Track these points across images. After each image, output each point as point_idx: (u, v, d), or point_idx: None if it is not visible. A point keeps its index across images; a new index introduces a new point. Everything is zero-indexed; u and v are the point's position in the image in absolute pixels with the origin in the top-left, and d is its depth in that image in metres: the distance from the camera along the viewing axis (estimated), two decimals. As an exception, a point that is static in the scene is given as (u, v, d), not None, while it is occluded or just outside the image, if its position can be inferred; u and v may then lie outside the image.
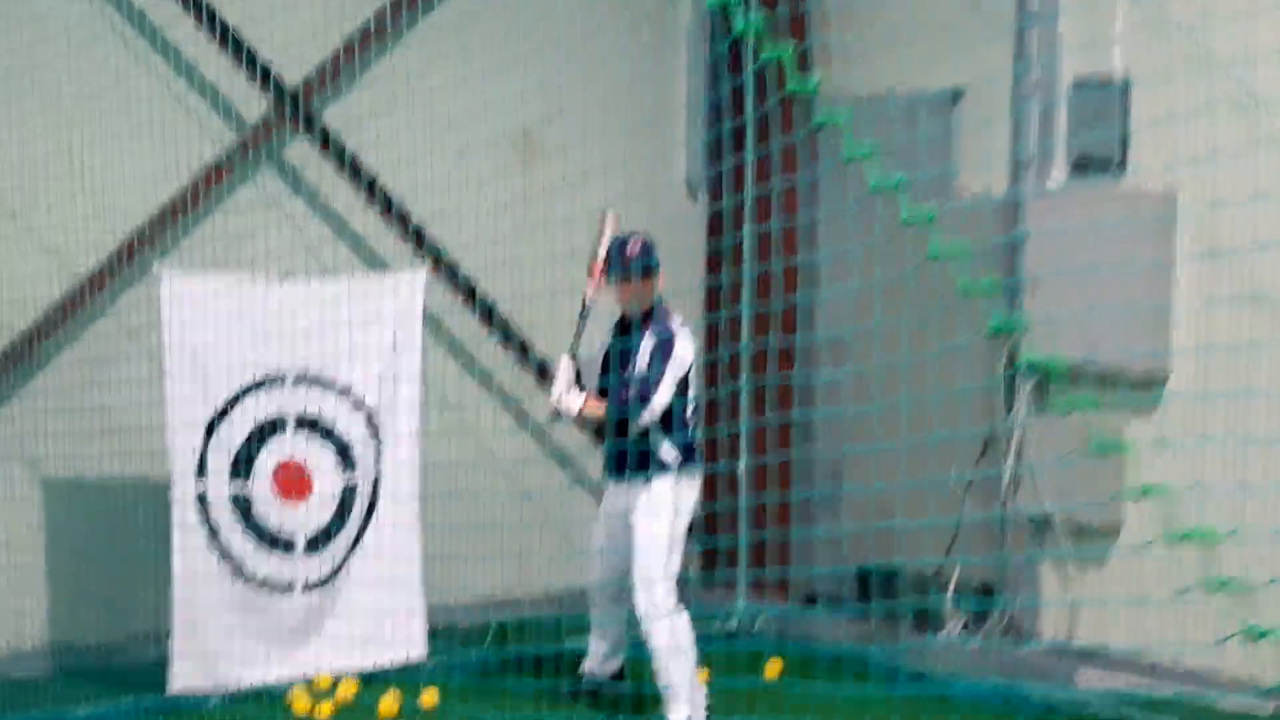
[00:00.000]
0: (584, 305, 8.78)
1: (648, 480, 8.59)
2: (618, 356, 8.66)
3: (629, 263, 8.56)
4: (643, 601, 8.57)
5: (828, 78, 10.31)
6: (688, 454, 8.66)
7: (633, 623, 8.93)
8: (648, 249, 8.65)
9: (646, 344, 8.62)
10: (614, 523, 8.93)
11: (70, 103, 9.61)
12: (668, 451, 8.64)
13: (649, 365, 8.52)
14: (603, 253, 8.81)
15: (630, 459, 8.49)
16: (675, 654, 8.51)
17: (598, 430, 8.99)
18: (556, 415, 8.81)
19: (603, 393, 8.70)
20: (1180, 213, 8.73)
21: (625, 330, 8.74)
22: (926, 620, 10.39)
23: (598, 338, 8.83)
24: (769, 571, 8.96)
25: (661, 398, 8.44)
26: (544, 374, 11.22)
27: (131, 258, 9.95)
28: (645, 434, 8.54)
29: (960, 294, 4.67)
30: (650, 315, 8.70)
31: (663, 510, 8.53)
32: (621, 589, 9.06)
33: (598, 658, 9.47)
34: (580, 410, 8.61)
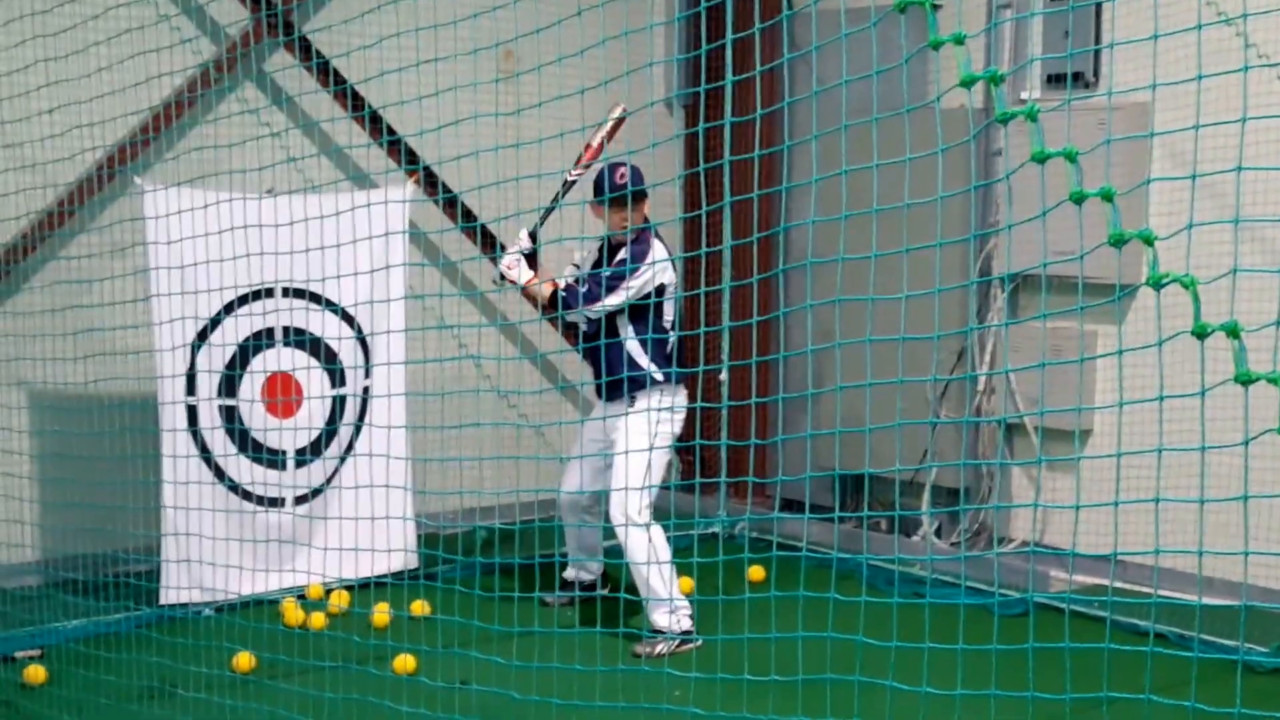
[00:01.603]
0: (563, 186, 9.02)
1: (632, 399, 8.87)
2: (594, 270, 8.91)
3: (617, 187, 8.81)
4: (617, 512, 8.82)
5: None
6: (665, 364, 8.90)
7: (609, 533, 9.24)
8: (636, 175, 8.84)
9: (619, 256, 8.93)
10: (593, 436, 9.21)
11: (46, 13, 9.59)
12: (643, 359, 8.86)
13: (612, 270, 8.80)
14: (597, 141, 9.06)
15: (612, 379, 8.83)
16: (652, 564, 8.78)
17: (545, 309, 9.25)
18: (501, 280, 9.03)
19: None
20: (1155, 128, 9.01)
21: (603, 257, 9.02)
22: (904, 524, 10.70)
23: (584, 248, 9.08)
24: (749, 478, 9.20)
25: (611, 299, 8.70)
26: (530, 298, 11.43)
27: (120, 168, 10.02)
28: (629, 356, 8.84)
29: (1112, 243, 4.85)
30: (635, 240, 8.98)
31: (643, 425, 8.69)
32: (593, 501, 9.35)
33: (577, 565, 9.79)
34: (527, 283, 8.87)
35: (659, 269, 8.83)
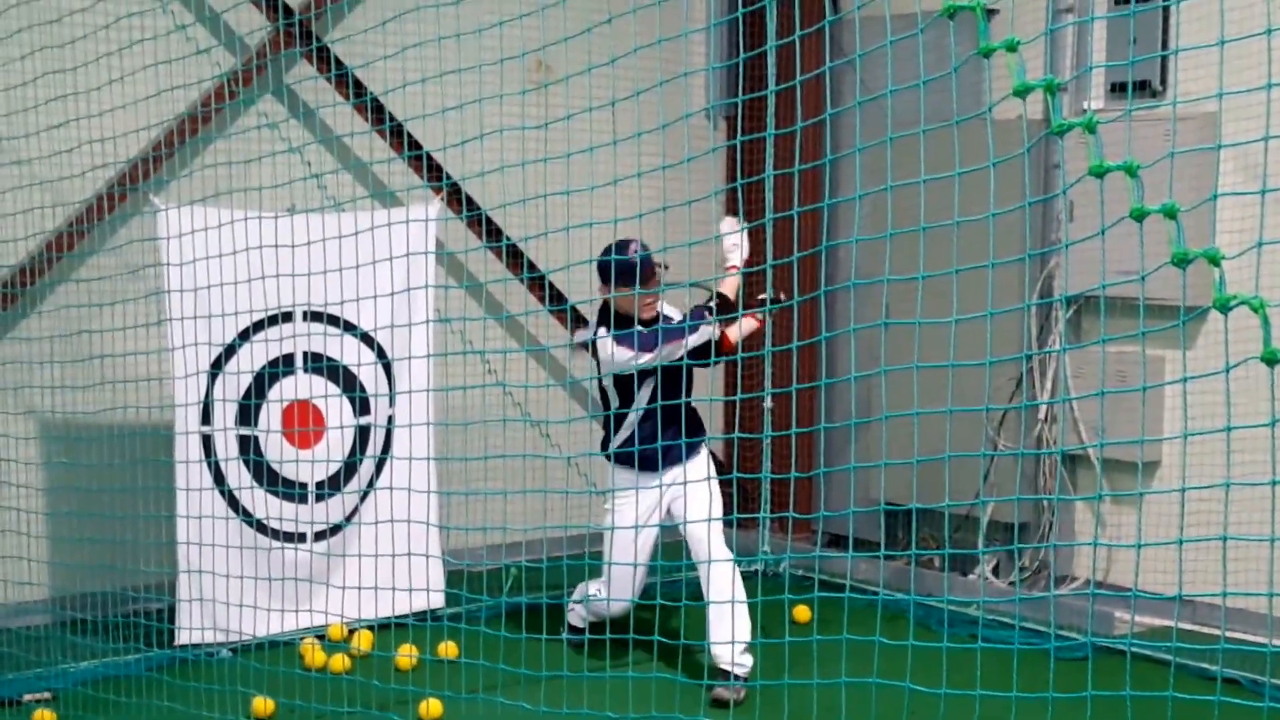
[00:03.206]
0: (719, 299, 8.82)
1: (699, 448, 8.90)
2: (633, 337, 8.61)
3: (641, 265, 8.61)
4: (717, 551, 8.59)
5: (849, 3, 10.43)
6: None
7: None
8: (644, 247, 8.69)
9: (673, 315, 8.85)
10: (649, 511, 8.97)
11: (59, 24, 9.51)
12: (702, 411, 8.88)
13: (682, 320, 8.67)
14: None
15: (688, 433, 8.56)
16: (741, 604, 8.54)
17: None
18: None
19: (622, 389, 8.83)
20: (1224, 139, 8.88)
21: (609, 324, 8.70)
22: (957, 562, 10.55)
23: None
24: (792, 512, 9.10)
25: (694, 339, 8.51)
26: (576, 318, 11.35)
27: (131, 187, 9.93)
28: (695, 410, 8.72)
29: (1175, 263, 4.72)
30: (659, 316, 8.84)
31: (711, 464, 8.79)
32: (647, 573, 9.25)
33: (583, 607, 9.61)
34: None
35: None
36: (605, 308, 8.73)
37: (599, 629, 9.14)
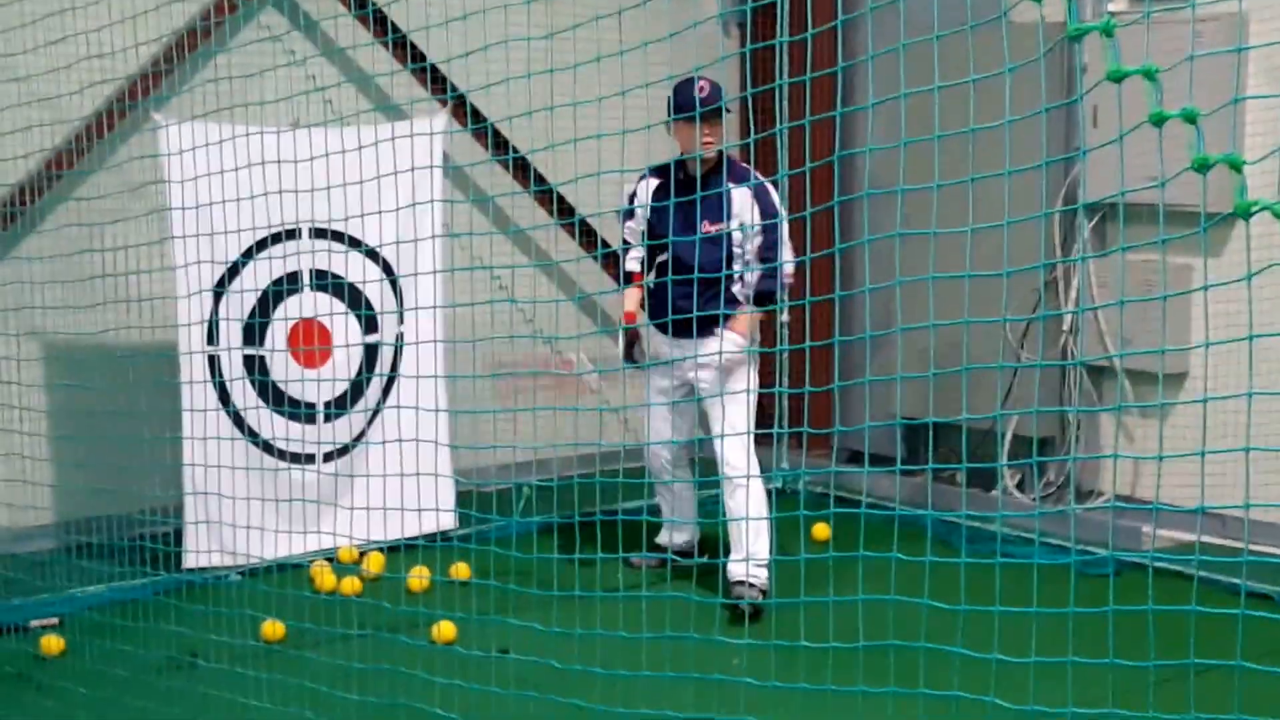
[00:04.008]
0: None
1: (721, 332, 8.63)
2: (683, 211, 8.57)
3: (707, 101, 8.50)
4: (737, 462, 8.61)
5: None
6: (758, 298, 8.74)
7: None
8: (718, 88, 8.60)
9: (740, 197, 8.61)
10: (675, 391, 9.02)
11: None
12: (740, 295, 8.74)
13: (762, 226, 8.56)
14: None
15: (700, 315, 8.28)
16: (764, 520, 8.64)
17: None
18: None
19: (651, 256, 8.76)
20: (1249, 41, 8.82)
21: (679, 185, 8.70)
22: (981, 478, 10.54)
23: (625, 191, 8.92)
24: (807, 427, 9.10)
25: (790, 265, 8.51)
26: (587, 232, 11.35)
27: (130, 103, 9.92)
28: (716, 284, 8.55)
29: (1195, 168, 4.70)
30: (720, 165, 8.71)
31: (742, 361, 8.63)
32: (682, 453, 9.19)
33: (671, 528, 9.61)
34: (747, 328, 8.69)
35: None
36: (665, 167, 8.89)
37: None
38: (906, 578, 6.38)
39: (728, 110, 8.64)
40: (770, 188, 8.60)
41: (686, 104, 8.56)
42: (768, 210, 8.48)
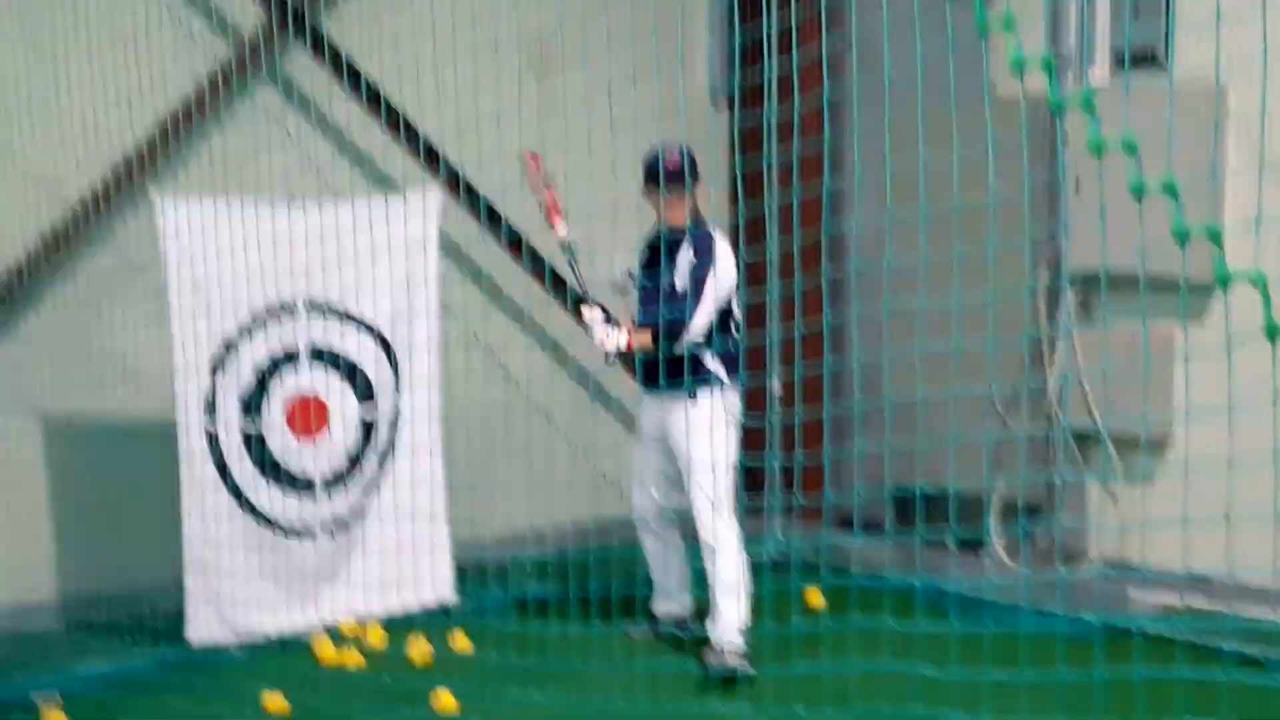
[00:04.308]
0: (565, 247, 8.92)
1: (692, 395, 8.63)
2: (658, 273, 8.67)
3: (672, 175, 8.59)
4: (707, 530, 8.62)
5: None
6: (730, 364, 8.71)
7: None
8: (690, 159, 8.69)
9: (684, 256, 8.65)
10: (651, 444, 9.00)
11: (50, 14, 9.57)
12: (710, 361, 8.66)
13: (689, 279, 8.55)
14: (540, 196, 8.97)
15: (668, 370, 8.45)
16: (736, 590, 8.60)
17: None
18: (610, 358, 8.93)
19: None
20: (1229, 112, 8.89)
21: (657, 253, 8.73)
22: (970, 544, 10.56)
23: (616, 264, 8.97)
24: (801, 496, 9.16)
25: (702, 317, 8.48)
26: (577, 307, 11.37)
27: (127, 182, 9.95)
28: (694, 358, 8.56)
29: (1219, 283, 4.79)
30: (689, 230, 8.74)
31: (711, 426, 8.53)
32: (668, 516, 9.21)
33: (663, 595, 9.62)
34: (628, 344, 8.67)
35: (728, 269, 8.66)
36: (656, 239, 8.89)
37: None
38: (899, 642, 6.44)
39: (695, 178, 8.69)
40: (718, 237, 8.66)
41: (652, 174, 8.68)
42: (700, 250, 8.57)
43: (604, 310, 8.80)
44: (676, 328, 8.48)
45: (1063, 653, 6.27)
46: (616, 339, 8.63)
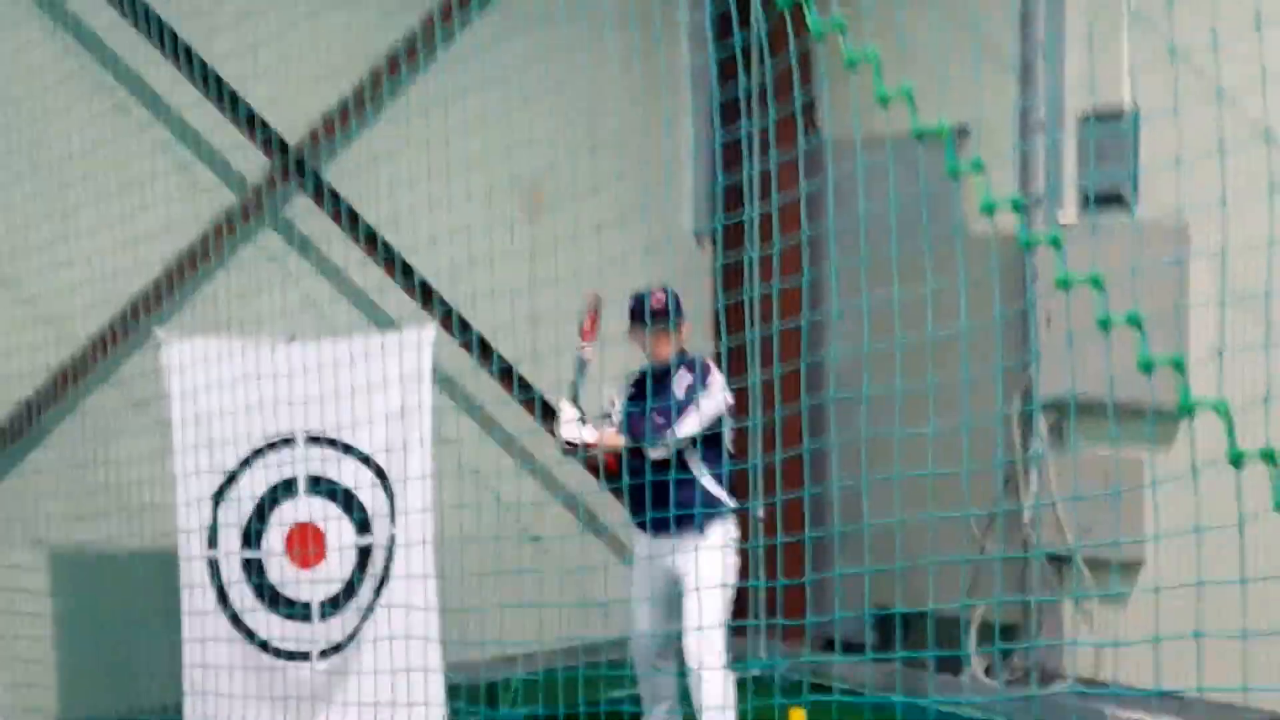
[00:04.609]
0: (580, 362, 8.90)
1: (701, 529, 8.56)
2: (649, 401, 8.58)
3: (658, 314, 8.58)
4: (699, 653, 8.47)
5: (826, 126, 10.51)
6: (729, 490, 8.68)
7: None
8: (674, 299, 8.70)
9: (682, 379, 8.67)
10: (655, 577, 8.85)
11: (61, 162, 9.65)
12: (714, 488, 8.62)
13: (683, 395, 8.58)
14: (588, 320, 8.95)
15: (675, 509, 8.34)
16: (725, 712, 8.52)
17: (609, 474, 9.00)
18: (569, 448, 8.87)
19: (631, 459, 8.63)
20: (1194, 249, 8.92)
21: (644, 385, 8.68)
22: (949, 663, 10.50)
23: (605, 395, 8.95)
24: (784, 618, 9.13)
25: (690, 421, 8.47)
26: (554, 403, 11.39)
27: (133, 322, 10.00)
28: (703, 488, 8.54)
29: (1183, 411, 4.78)
30: (680, 364, 8.74)
31: (719, 555, 8.50)
32: (666, 642, 9.12)
33: (649, 714, 9.53)
34: (595, 440, 8.62)
35: (724, 393, 8.64)
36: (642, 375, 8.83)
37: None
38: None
39: (680, 316, 8.69)
40: (712, 366, 8.67)
41: (638, 314, 8.65)
42: (695, 372, 8.56)
43: (581, 415, 8.74)
44: (641, 434, 8.50)
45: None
46: (585, 432, 8.59)
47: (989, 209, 5.06)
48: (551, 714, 9.68)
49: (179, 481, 9.08)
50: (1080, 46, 9.81)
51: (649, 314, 8.57)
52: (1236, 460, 4.62)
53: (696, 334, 9.28)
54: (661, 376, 8.68)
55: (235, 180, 10.47)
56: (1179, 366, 4.74)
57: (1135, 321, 4.77)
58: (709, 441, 8.63)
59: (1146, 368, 4.78)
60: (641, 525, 8.74)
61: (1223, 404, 4.64)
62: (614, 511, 11.53)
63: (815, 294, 9.86)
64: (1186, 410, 4.73)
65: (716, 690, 8.45)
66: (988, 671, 10.39)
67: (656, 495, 8.33)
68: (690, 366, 8.68)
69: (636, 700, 9.36)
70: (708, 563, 8.43)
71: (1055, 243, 4.99)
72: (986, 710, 9.39)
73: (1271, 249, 5.74)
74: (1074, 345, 5.31)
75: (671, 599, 8.78)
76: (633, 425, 8.72)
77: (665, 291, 8.72)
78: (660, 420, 8.53)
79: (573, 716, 9.38)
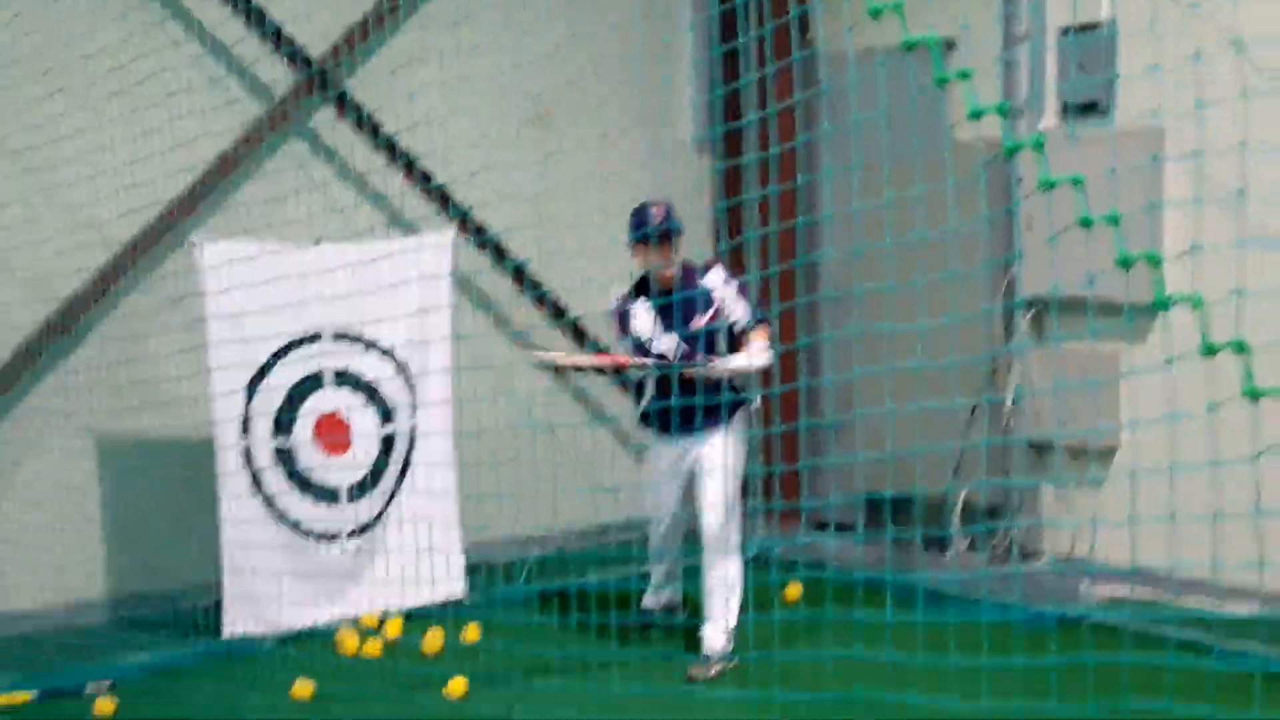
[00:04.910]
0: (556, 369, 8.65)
1: (729, 419, 8.50)
2: (667, 310, 8.42)
3: (658, 227, 8.38)
4: (717, 535, 8.50)
5: (820, 38, 10.50)
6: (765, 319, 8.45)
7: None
8: (669, 212, 8.46)
9: (717, 288, 8.44)
10: (671, 468, 8.78)
11: (101, 78, 9.59)
12: (749, 390, 8.61)
13: (736, 292, 8.41)
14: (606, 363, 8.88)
15: (699, 413, 8.23)
16: (733, 589, 8.54)
17: (638, 386, 8.91)
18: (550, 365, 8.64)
19: (639, 351, 8.53)
20: (1168, 154, 8.90)
21: (648, 291, 8.56)
22: (936, 542, 10.58)
23: (615, 293, 8.90)
24: (781, 502, 9.17)
25: (759, 349, 8.28)
26: (577, 332, 11.42)
27: (169, 226, 9.99)
28: (715, 385, 8.39)
29: (1158, 305, 4.81)
30: (688, 271, 8.60)
31: (737, 445, 8.49)
32: (676, 524, 9.16)
33: (655, 589, 9.62)
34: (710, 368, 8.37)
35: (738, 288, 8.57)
36: (644, 277, 8.65)
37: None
38: (870, 632, 6.44)
39: (679, 230, 8.57)
40: (717, 267, 8.54)
41: (640, 231, 8.48)
42: (740, 296, 8.47)
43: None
44: (763, 324, 8.37)
45: (1019, 640, 6.28)
46: (581, 357, 8.43)
47: (976, 115, 5.09)
48: (563, 590, 9.80)
49: (214, 375, 9.14)
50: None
51: (652, 231, 8.42)
52: (1210, 351, 4.67)
53: (697, 237, 9.24)
54: (671, 289, 8.55)
55: (263, 92, 10.44)
56: (1155, 262, 4.78)
57: (1114, 220, 4.81)
58: (731, 339, 8.57)
59: (1125, 264, 4.82)
60: (665, 428, 8.65)
61: (1198, 297, 4.69)
62: (618, 403, 11.61)
63: (810, 198, 9.87)
64: (1162, 304, 4.77)
65: (729, 568, 8.51)
66: (971, 550, 10.46)
67: (684, 388, 8.30)
68: (710, 268, 8.55)
69: (643, 578, 9.45)
70: (726, 449, 8.46)
71: (1038, 145, 5.03)
72: (970, 586, 9.46)
73: (1245, 151, 5.78)
74: (1054, 246, 5.33)
75: (686, 484, 8.81)
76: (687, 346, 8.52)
77: (664, 206, 8.53)
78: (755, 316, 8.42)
79: (583, 593, 9.51)
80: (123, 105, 9.53)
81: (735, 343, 8.47)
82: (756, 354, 8.32)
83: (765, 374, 8.49)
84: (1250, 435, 4.82)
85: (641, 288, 8.61)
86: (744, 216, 7.18)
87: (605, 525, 10.59)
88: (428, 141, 9.98)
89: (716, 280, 8.43)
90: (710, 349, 8.41)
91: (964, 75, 5.11)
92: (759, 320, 8.34)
